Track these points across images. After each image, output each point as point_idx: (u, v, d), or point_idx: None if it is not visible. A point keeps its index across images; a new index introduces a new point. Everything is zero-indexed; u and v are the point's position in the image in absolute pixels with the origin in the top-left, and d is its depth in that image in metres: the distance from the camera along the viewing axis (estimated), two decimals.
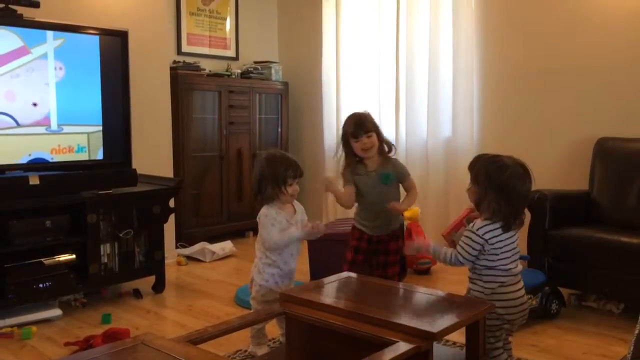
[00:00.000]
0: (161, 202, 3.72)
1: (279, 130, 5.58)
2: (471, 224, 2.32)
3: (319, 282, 2.52)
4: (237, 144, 5.21)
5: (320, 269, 3.67)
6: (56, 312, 3.26)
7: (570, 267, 3.27)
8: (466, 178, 2.41)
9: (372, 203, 2.86)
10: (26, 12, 3.34)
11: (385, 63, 5.04)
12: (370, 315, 2.03)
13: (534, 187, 2.31)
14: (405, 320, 2.00)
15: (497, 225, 2.26)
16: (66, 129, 3.42)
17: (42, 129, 3.34)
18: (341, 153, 2.91)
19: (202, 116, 4.96)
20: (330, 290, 2.38)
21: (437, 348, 2.13)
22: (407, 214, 2.96)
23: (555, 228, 3.36)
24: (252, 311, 2.68)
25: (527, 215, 2.47)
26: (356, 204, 2.94)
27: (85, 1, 3.92)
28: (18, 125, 3.24)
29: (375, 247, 2.89)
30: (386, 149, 2.88)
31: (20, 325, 3.07)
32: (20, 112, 3.24)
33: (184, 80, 4.78)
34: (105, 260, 3.47)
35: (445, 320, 1.98)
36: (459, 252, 2.30)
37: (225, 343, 2.69)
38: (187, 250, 4.63)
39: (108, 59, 3.55)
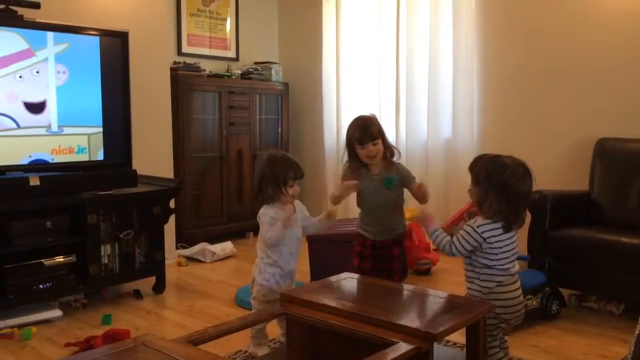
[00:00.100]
0: (161, 202, 3.72)
1: (279, 130, 5.58)
2: (473, 220, 2.32)
3: (319, 282, 2.52)
4: (237, 144, 5.21)
5: (320, 269, 3.67)
6: (56, 312, 3.26)
7: (570, 267, 3.27)
8: (466, 179, 2.41)
9: (373, 207, 2.81)
10: (27, 13, 3.34)
11: (386, 63, 5.04)
12: (370, 315, 2.03)
13: (534, 188, 2.32)
14: (406, 320, 2.00)
15: (498, 225, 2.26)
16: (67, 130, 3.43)
17: (42, 130, 3.34)
18: (345, 157, 2.85)
19: (203, 117, 4.96)
20: (331, 290, 2.38)
21: (438, 348, 2.13)
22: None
23: (555, 228, 3.35)
24: (252, 312, 2.68)
25: (528, 216, 2.47)
26: (359, 210, 2.91)
27: (86, 2, 3.93)
28: (18, 126, 3.24)
29: (379, 252, 2.83)
30: (388, 154, 2.81)
31: (21, 326, 3.07)
32: (21, 114, 3.25)
33: (184, 81, 4.78)
34: (106, 261, 3.47)
35: (446, 321, 1.98)
36: (453, 243, 2.32)
37: (226, 344, 2.69)
38: (188, 251, 4.63)
39: (108, 60, 3.55)
